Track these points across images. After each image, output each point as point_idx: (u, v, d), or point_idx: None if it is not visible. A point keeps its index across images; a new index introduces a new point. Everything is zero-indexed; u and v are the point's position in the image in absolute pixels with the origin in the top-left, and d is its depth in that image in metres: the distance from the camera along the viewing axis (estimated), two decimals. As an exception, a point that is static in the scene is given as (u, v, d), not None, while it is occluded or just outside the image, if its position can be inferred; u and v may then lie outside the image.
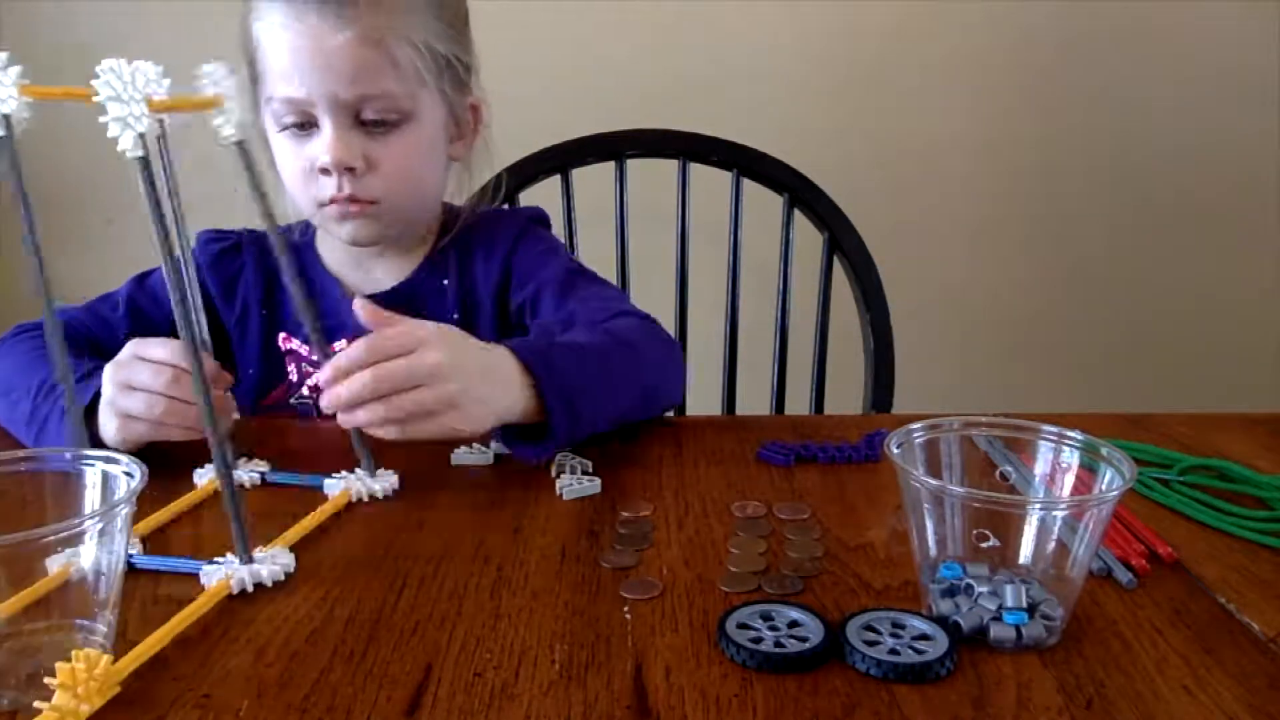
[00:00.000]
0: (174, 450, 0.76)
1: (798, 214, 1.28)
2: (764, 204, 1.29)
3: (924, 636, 0.55)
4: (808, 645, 0.54)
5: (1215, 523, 0.71)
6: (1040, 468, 0.64)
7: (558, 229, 1.26)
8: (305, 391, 0.97)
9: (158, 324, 0.92)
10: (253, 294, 0.96)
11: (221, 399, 0.76)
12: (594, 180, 1.31)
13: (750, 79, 1.74)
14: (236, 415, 0.80)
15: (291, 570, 0.63)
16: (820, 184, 1.28)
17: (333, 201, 0.89)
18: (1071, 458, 0.62)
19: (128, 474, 0.56)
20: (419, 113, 0.90)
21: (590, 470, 0.79)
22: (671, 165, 1.29)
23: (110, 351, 0.79)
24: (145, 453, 0.74)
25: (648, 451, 0.84)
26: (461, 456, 0.82)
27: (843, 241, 1.27)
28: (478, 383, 0.72)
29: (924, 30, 1.74)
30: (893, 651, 0.54)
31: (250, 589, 0.61)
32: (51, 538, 0.50)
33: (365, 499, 0.75)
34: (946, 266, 1.84)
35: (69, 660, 0.48)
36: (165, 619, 0.58)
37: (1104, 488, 0.58)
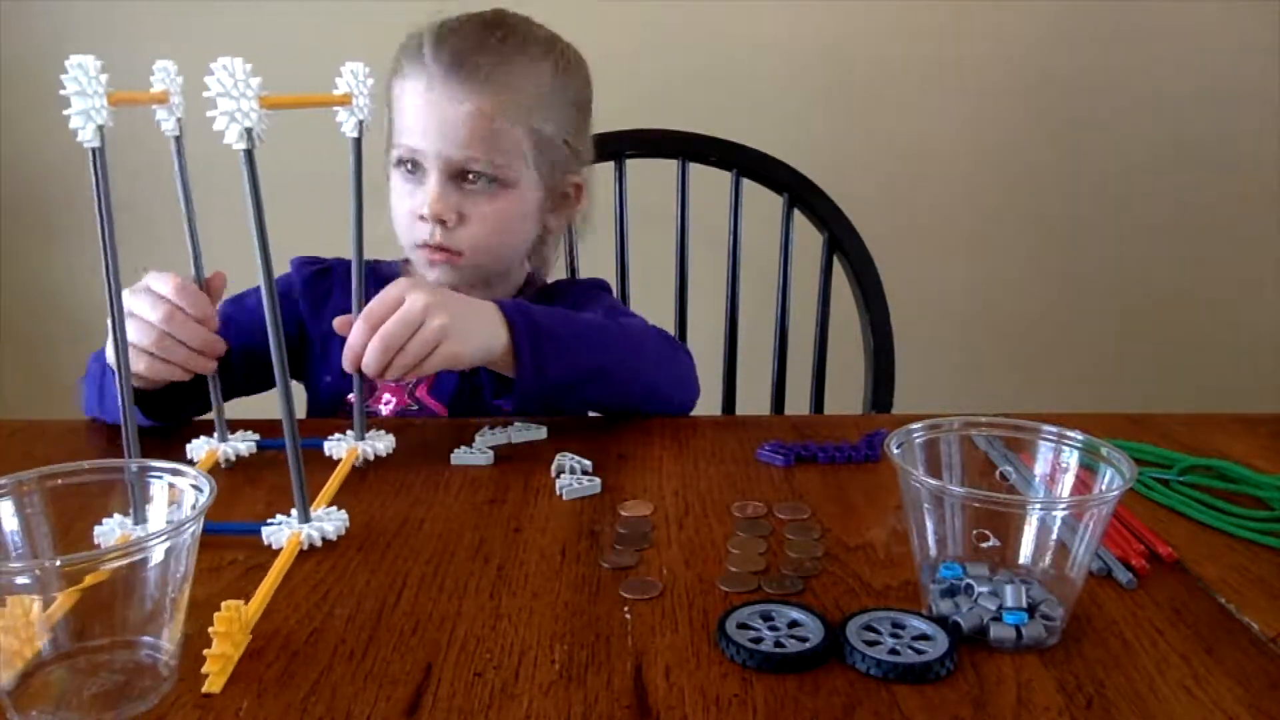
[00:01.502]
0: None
1: (798, 214, 1.28)
2: (764, 204, 1.29)
3: (924, 636, 0.55)
4: (808, 645, 0.54)
5: (1215, 523, 0.71)
6: (1040, 468, 0.64)
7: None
8: (382, 400, 1.04)
9: (247, 330, 0.95)
10: (339, 313, 0.99)
11: (212, 339, 0.82)
12: (594, 180, 1.31)
13: (750, 79, 1.74)
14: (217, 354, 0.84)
15: (347, 528, 0.68)
16: (820, 184, 1.28)
17: (425, 246, 0.98)
18: (1071, 458, 0.62)
19: (195, 488, 0.55)
20: (516, 184, 0.98)
21: (590, 470, 0.79)
22: (671, 165, 1.29)
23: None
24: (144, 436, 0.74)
25: (648, 451, 0.84)
26: (461, 456, 0.82)
27: (843, 241, 1.27)
28: (463, 314, 0.81)
29: (924, 30, 1.74)
30: (893, 651, 0.54)
31: (318, 544, 0.66)
32: (119, 561, 0.49)
33: (371, 459, 0.80)
34: (946, 266, 1.84)
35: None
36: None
37: (1104, 488, 0.58)
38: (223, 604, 0.54)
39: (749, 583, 0.63)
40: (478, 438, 0.86)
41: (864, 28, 1.74)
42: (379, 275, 1.02)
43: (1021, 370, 1.88)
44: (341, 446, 0.81)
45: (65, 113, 0.62)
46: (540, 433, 0.87)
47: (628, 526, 0.70)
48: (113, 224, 0.66)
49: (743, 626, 0.56)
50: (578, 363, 0.87)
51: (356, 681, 0.53)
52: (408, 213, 0.99)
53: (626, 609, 0.60)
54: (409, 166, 0.98)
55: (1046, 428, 0.63)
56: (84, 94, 0.63)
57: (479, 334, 0.82)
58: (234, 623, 0.54)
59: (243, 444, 0.82)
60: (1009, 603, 0.56)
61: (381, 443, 0.82)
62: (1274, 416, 0.93)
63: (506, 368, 0.85)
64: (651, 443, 0.86)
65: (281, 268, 1.03)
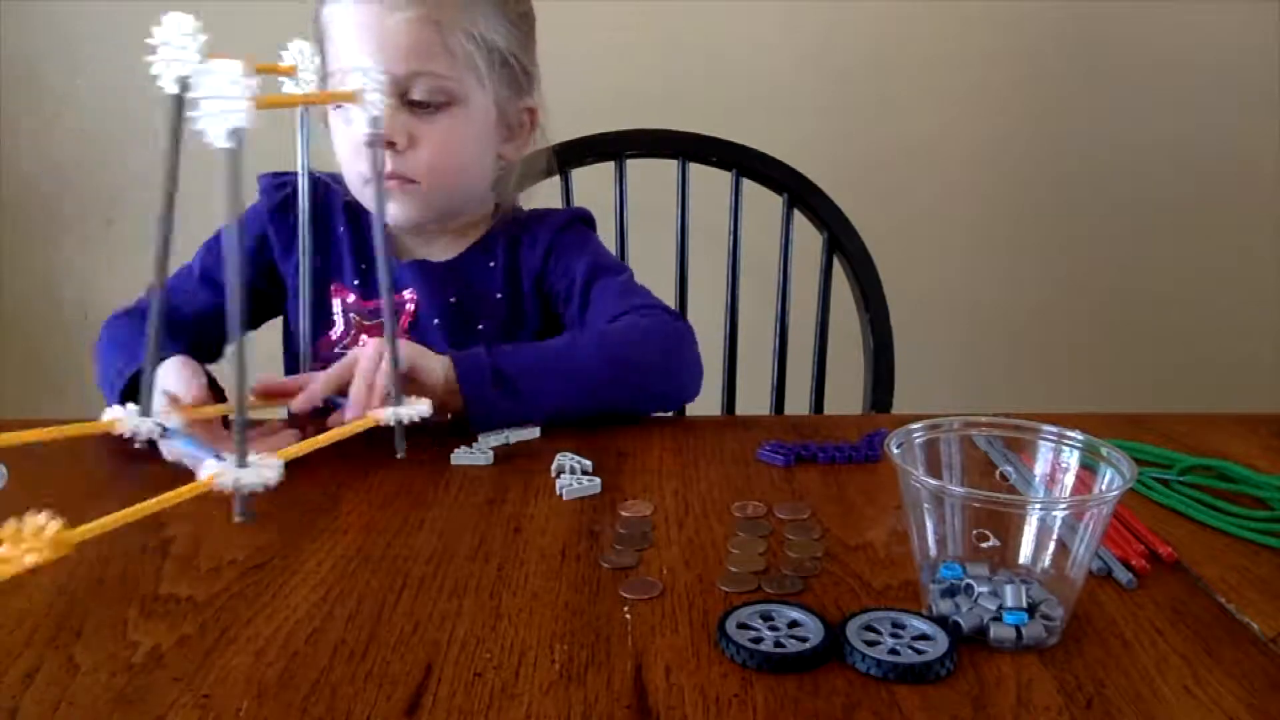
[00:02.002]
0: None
1: (797, 214, 1.28)
2: (764, 204, 1.29)
3: (924, 636, 0.55)
4: (808, 645, 0.54)
5: (1215, 523, 0.71)
6: (1040, 468, 0.64)
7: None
8: (360, 341, 1.00)
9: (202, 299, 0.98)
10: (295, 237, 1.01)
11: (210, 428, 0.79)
12: (594, 180, 1.31)
13: (750, 79, 1.74)
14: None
15: (278, 477, 0.57)
16: (820, 184, 1.28)
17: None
18: (1071, 458, 0.62)
19: None
20: (467, 99, 0.93)
21: (590, 470, 0.79)
22: (671, 165, 1.29)
23: (194, 322, 0.92)
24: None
25: (648, 451, 0.84)
26: (461, 456, 0.82)
27: (843, 241, 1.27)
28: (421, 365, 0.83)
29: (924, 30, 1.74)
30: (893, 651, 0.54)
31: (234, 489, 0.58)
32: None
33: (392, 423, 0.71)
34: (946, 266, 1.84)
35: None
36: (165, 615, 0.58)
37: (1104, 488, 0.58)
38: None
39: (749, 583, 0.63)
40: (480, 437, 0.86)
41: (864, 27, 1.74)
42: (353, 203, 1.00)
43: (1022, 370, 1.88)
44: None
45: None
46: (534, 432, 0.87)
47: (628, 526, 0.70)
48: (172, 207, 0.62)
49: (743, 626, 0.56)
50: (535, 408, 0.87)
51: (356, 681, 0.53)
52: (351, 145, 0.92)
53: (626, 609, 0.60)
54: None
55: (1046, 428, 0.63)
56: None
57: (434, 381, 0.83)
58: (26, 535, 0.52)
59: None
60: (1009, 603, 0.56)
61: (415, 409, 0.72)
62: (1274, 416, 0.93)
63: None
64: (651, 443, 0.86)
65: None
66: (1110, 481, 0.58)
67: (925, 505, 0.58)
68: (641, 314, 0.97)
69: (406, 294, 1.00)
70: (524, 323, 1.02)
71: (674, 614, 0.59)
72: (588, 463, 0.79)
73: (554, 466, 0.79)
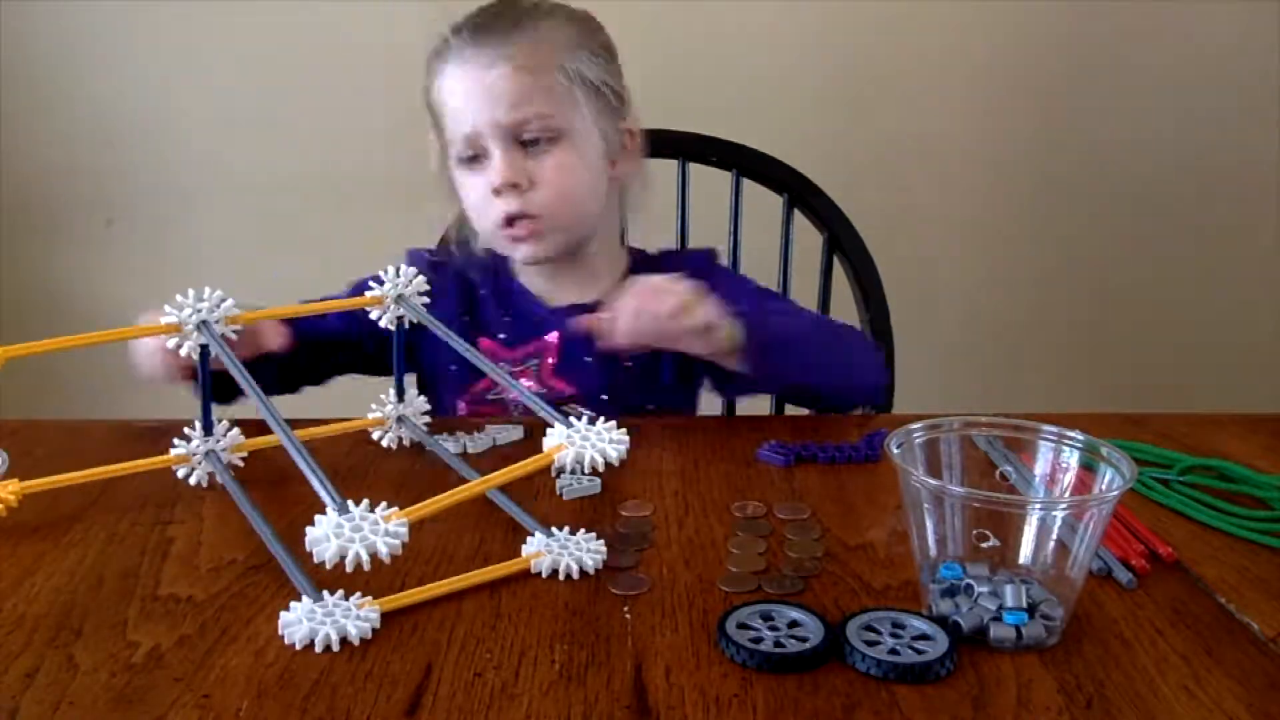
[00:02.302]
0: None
1: (798, 214, 1.28)
2: (764, 204, 1.29)
3: (924, 636, 0.55)
4: (808, 645, 0.54)
5: (1215, 523, 0.71)
6: (1040, 468, 0.64)
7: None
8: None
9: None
10: (453, 304, 1.07)
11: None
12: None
13: (750, 79, 1.74)
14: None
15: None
16: (820, 184, 1.28)
17: (506, 221, 0.98)
18: (1071, 458, 0.62)
19: None
20: (572, 132, 0.99)
21: (590, 470, 0.78)
22: (671, 165, 1.29)
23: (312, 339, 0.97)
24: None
25: (648, 451, 0.84)
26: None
27: (843, 241, 1.27)
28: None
29: (925, 30, 1.74)
30: (893, 651, 0.54)
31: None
32: None
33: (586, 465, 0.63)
34: (947, 266, 1.84)
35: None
36: (165, 615, 0.58)
37: (1104, 488, 0.58)
38: None
39: (749, 583, 0.63)
40: (468, 440, 0.85)
41: (865, 27, 1.74)
42: (494, 262, 1.06)
43: (1022, 370, 1.87)
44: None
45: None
46: (518, 433, 0.87)
47: (628, 526, 0.70)
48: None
49: (743, 626, 0.56)
50: (793, 371, 0.95)
51: (356, 681, 0.53)
52: (480, 196, 0.99)
53: (626, 609, 0.60)
54: (470, 157, 0.99)
55: (1046, 428, 0.63)
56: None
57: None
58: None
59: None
60: (1009, 603, 0.56)
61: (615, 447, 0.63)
62: (1274, 416, 0.93)
63: (733, 365, 0.91)
64: (652, 443, 0.86)
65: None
66: (1110, 481, 0.58)
67: (925, 505, 0.58)
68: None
69: (549, 337, 1.04)
70: (663, 359, 1.04)
71: (674, 614, 0.59)
72: (588, 463, 0.79)
73: (554, 466, 0.79)
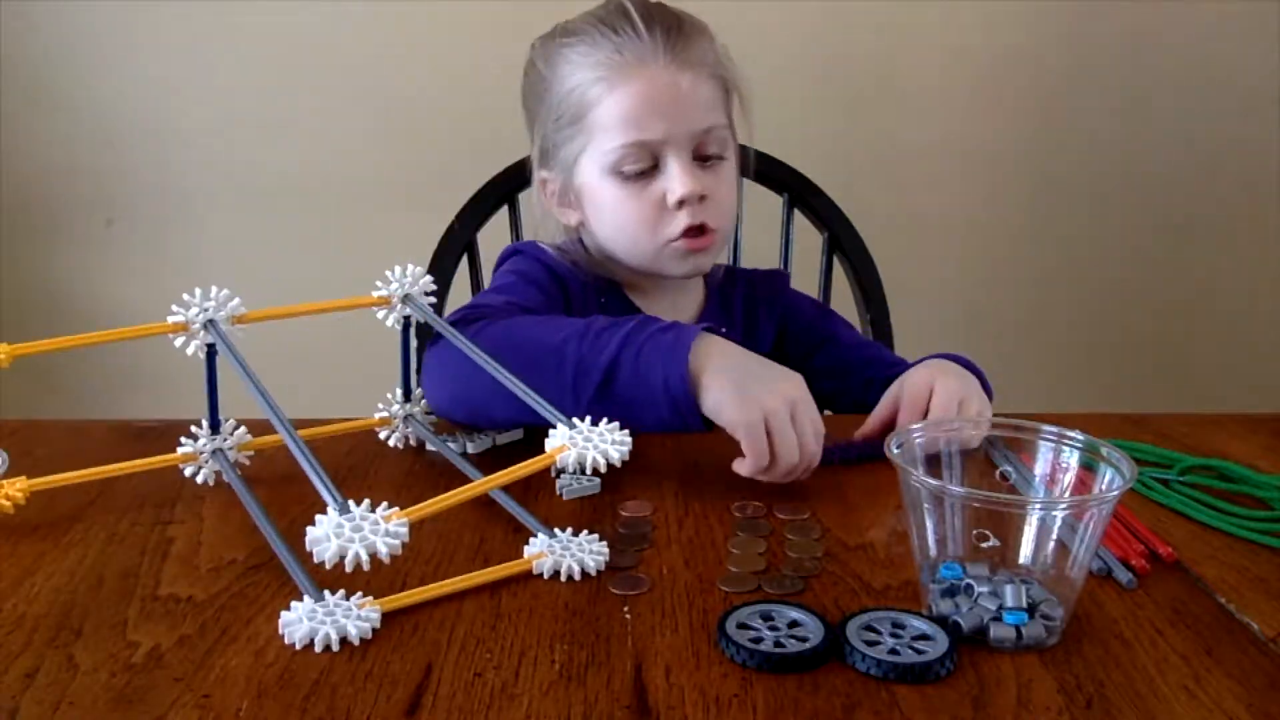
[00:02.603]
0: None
1: (798, 214, 1.28)
2: (764, 204, 1.29)
3: (924, 636, 0.55)
4: (808, 645, 0.54)
5: (1215, 523, 0.71)
6: (1040, 468, 0.64)
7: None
8: None
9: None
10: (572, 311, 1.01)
11: None
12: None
13: (750, 79, 1.74)
14: None
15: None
16: (820, 184, 1.28)
17: (685, 234, 0.93)
18: (1071, 458, 0.62)
19: None
20: (731, 146, 0.97)
21: (590, 470, 0.78)
22: (671, 165, 1.29)
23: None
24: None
25: (648, 451, 0.84)
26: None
27: (843, 241, 1.27)
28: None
29: (925, 30, 1.74)
30: (893, 651, 0.54)
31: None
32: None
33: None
34: (947, 267, 1.84)
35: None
36: (165, 615, 0.58)
37: (1104, 488, 0.58)
38: None
39: (749, 583, 0.63)
40: (468, 441, 0.85)
41: (865, 27, 1.74)
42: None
43: (1022, 370, 1.87)
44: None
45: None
46: (518, 433, 0.87)
47: (628, 526, 0.70)
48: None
49: (743, 626, 0.56)
50: None
51: (356, 681, 0.53)
52: (650, 209, 0.93)
53: (626, 609, 0.60)
54: (638, 168, 0.92)
55: (1046, 428, 0.63)
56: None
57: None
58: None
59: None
60: (1009, 603, 0.56)
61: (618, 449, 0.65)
62: (1274, 416, 0.93)
63: None
64: (652, 443, 0.86)
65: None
66: (1110, 481, 0.58)
67: (925, 505, 0.58)
68: None
69: None
70: None
71: (674, 614, 0.59)
72: (588, 463, 0.79)
73: (554, 466, 0.79)
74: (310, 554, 0.54)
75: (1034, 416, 0.66)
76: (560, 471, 0.78)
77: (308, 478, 0.59)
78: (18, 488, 0.70)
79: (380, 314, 0.83)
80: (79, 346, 0.73)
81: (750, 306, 1.08)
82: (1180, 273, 1.84)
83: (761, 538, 0.68)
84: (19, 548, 0.67)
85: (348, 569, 0.54)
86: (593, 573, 0.63)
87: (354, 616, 0.57)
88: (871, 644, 0.54)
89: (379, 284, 0.83)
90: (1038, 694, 0.52)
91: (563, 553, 0.64)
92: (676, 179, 0.91)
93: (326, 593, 0.59)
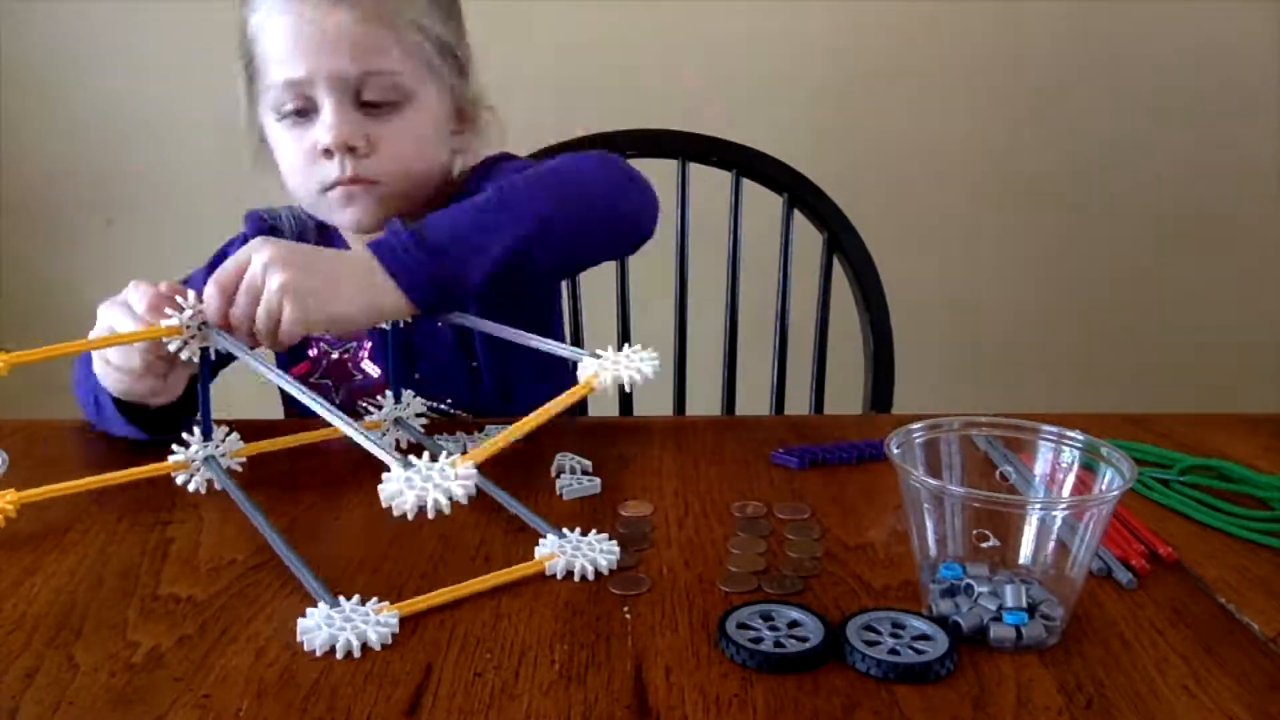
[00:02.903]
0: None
1: (797, 214, 1.28)
2: (764, 204, 1.29)
3: (924, 636, 0.55)
4: (808, 645, 0.54)
5: (1215, 523, 0.71)
6: (1040, 468, 0.64)
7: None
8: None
9: None
10: None
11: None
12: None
13: (750, 79, 1.74)
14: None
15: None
16: (820, 184, 1.28)
17: (336, 184, 0.88)
18: (1071, 458, 0.62)
19: None
20: (420, 94, 0.89)
21: (590, 470, 0.79)
22: (671, 165, 1.29)
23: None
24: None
25: (648, 451, 0.84)
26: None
27: (843, 242, 1.27)
28: (306, 277, 0.73)
29: (925, 31, 1.74)
30: (893, 651, 0.54)
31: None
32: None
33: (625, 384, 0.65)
34: (947, 266, 1.84)
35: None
36: (165, 615, 0.58)
37: (1104, 488, 0.58)
38: None
39: (749, 583, 0.62)
40: (468, 440, 0.85)
41: (865, 27, 1.74)
42: (320, 224, 0.96)
43: (1022, 370, 1.88)
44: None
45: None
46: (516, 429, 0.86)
47: (628, 526, 0.70)
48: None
49: (743, 626, 0.56)
50: (491, 252, 0.78)
51: (356, 681, 0.53)
52: (304, 155, 0.88)
53: (626, 609, 0.60)
54: (292, 108, 0.87)
55: (1046, 428, 0.63)
56: None
57: (324, 302, 0.73)
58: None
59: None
60: (1009, 603, 0.56)
61: (646, 364, 0.66)
62: (1274, 416, 0.93)
63: (426, 307, 0.77)
64: (651, 443, 0.86)
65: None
66: (1110, 481, 0.58)
67: (925, 505, 0.58)
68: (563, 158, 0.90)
69: None
70: (503, 303, 0.93)
71: (674, 614, 0.59)
72: (588, 463, 0.79)
73: (554, 466, 0.79)
74: (318, 558, 0.54)
75: (1034, 416, 0.66)
76: (560, 471, 0.78)
77: (305, 480, 0.59)
78: (8, 500, 0.69)
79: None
80: (78, 351, 0.73)
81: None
82: (1181, 272, 1.84)
83: (761, 538, 0.68)
84: (19, 548, 0.67)
85: (429, 515, 0.53)
86: (605, 572, 0.63)
87: (372, 622, 0.56)
88: (871, 644, 0.54)
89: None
90: (1038, 694, 0.52)
91: (574, 553, 0.64)
92: (323, 126, 0.86)
93: (341, 598, 0.58)
